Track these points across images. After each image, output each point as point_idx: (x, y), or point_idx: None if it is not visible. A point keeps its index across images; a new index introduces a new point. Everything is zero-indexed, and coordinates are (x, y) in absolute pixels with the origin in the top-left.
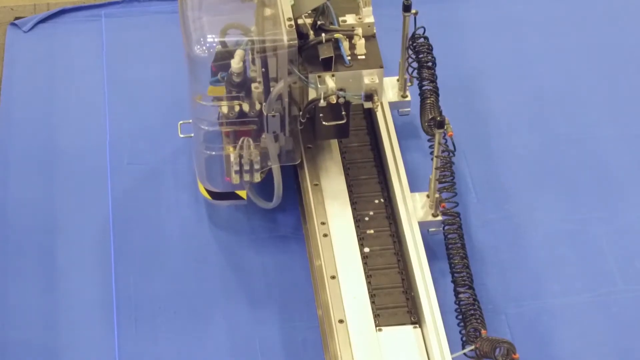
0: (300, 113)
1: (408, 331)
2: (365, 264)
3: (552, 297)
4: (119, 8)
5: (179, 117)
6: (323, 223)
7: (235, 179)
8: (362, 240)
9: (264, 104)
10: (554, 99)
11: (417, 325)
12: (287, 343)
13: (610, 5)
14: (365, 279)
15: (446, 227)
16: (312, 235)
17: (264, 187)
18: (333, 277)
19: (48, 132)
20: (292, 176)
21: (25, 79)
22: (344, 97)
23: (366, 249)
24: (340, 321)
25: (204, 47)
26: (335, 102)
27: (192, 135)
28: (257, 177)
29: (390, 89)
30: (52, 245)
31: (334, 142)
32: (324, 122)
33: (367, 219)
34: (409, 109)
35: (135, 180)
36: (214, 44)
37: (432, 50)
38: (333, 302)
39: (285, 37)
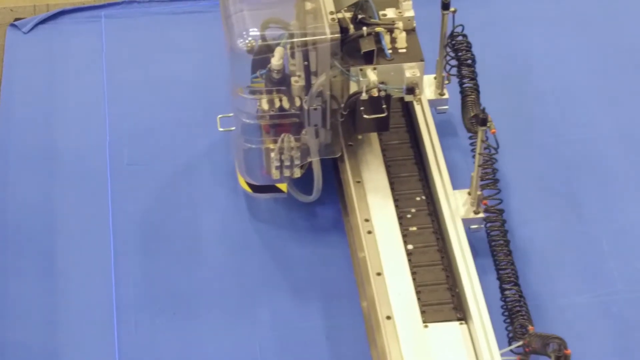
0: (342, 106)
1: (454, 327)
2: (409, 260)
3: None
4: (119, 9)
5: (179, 118)
6: (367, 220)
7: (276, 174)
8: (405, 237)
9: (304, 98)
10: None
11: (464, 322)
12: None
13: None
14: (410, 275)
15: (489, 224)
16: (356, 232)
17: (303, 181)
18: (379, 274)
19: (48, 132)
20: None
21: (25, 80)
22: (385, 91)
23: (409, 246)
24: (388, 317)
25: (246, 41)
26: (376, 95)
27: (233, 129)
28: (297, 173)
29: (427, 87)
30: (51, 246)
31: (375, 139)
32: (364, 115)
33: (409, 216)
34: (446, 107)
35: (135, 180)
36: (257, 38)
37: (471, 47)
38: (380, 298)
39: (328, 30)
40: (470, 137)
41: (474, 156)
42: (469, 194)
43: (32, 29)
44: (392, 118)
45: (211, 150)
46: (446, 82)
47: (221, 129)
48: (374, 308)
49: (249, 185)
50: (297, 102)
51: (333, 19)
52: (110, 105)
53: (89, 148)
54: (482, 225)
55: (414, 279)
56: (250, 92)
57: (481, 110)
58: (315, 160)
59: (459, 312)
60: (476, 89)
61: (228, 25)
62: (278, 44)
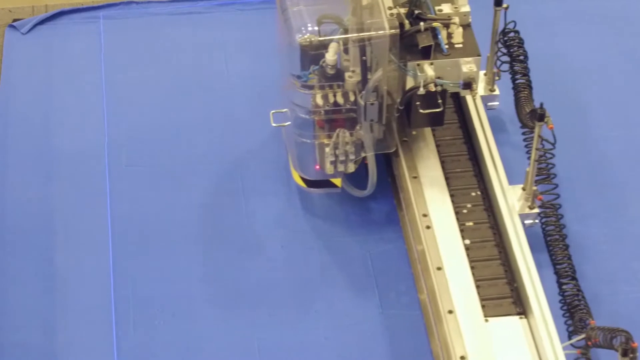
0: (398, 101)
1: (515, 322)
2: (467, 255)
3: None
4: (117, 10)
5: (178, 118)
6: (425, 215)
7: (330, 169)
8: (462, 232)
9: (358, 92)
10: None
11: (523, 316)
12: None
13: None
14: (470, 270)
15: (545, 219)
16: (415, 227)
17: (354, 176)
18: (439, 269)
19: (46, 133)
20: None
21: (23, 80)
22: (442, 85)
23: (466, 241)
24: (450, 312)
25: (303, 36)
26: (433, 90)
27: (286, 124)
28: (351, 168)
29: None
30: (50, 247)
31: (429, 134)
32: (420, 110)
33: (465, 211)
34: (497, 103)
35: (134, 181)
36: (314, 32)
37: (523, 43)
38: (441, 292)
39: (387, 25)
40: (523, 133)
41: (527, 152)
42: (523, 189)
43: (30, 29)
44: (445, 114)
45: (208, 152)
46: (496, 78)
47: (274, 125)
48: (435, 302)
49: (304, 180)
50: (351, 98)
51: (392, 14)
52: (108, 105)
53: (88, 149)
54: (537, 221)
55: (472, 274)
56: (306, 87)
57: (534, 106)
58: (370, 155)
59: (519, 306)
60: (529, 85)
61: (284, 20)
62: (334, 40)
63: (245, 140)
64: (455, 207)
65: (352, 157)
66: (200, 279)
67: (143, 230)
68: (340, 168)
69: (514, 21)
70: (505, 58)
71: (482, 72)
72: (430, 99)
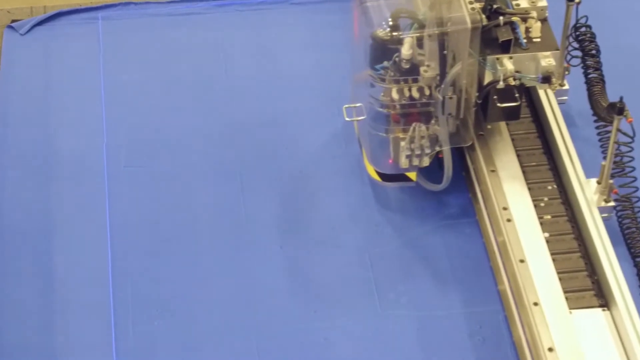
0: (477, 95)
1: (597, 314)
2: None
3: None
4: (116, 11)
5: (176, 119)
6: (505, 208)
7: (405, 163)
8: (540, 225)
9: (434, 87)
10: None
11: (606, 308)
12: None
13: None
14: (552, 262)
15: (622, 213)
16: (495, 220)
17: (426, 170)
18: (522, 261)
19: (45, 134)
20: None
21: (22, 81)
22: (519, 80)
23: (545, 234)
24: (535, 304)
25: (383, 29)
26: (512, 84)
27: (361, 118)
28: (426, 162)
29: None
30: (49, 248)
31: (504, 128)
32: (497, 104)
33: (542, 204)
34: (566, 98)
35: (133, 182)
36: (395, 26)
37: (595, 38)
38: (525, 285)
39: (469, 19)
40: (597, 127)
41: (601, 145)
42: (598, 182)
43: (29, 30)
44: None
45: (207, 153)
46: (566, 72)
47: (347, 119)
48: (520, 294)
49: (378, 174)
50: (427, 92)
51: (473, 9)
52: (107, 106)
53: (86, 149)
54: (612, 214)
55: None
56: (383, 81)
57: (619, 100)
58: (446, 149)
59: (601, 298)
60: (602, 79)
61: (363, 13)
62: (413, 35)
63: (245, 140)
64: (533, 201)
65: (427, 150)
66: (199, 279)
67: (142, 231)
68: (415, 162)
69: (586, 16)
70: (576, 53)
71: None
72: (507, 93)
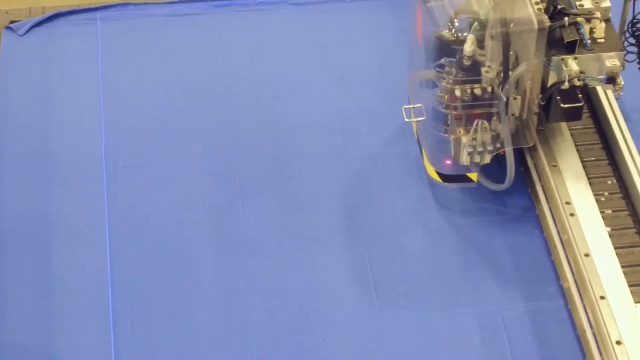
0: (540, 96)
1: None
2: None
3: None
4: (114, 11)
5: (175, 119)
6: (568, 203)
7: (467, 160)
8: (602, 219)
9: (496, 87)
10: None
11: None
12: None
13: None
14: (616, 256)
15: None
16: (558, 215)
17: (484, 170)
18: (587, 255)
19: (44, 135)
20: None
21: (20, 82)
22: (583, 80)
23: (608, 228)
24: (602, 297)
25: (451, 29)
26: (577, 84)
27: (421, 118)
28: (487, 159)
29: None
30: (47, 249)
31: (564, 125)
32: (561, 104)
33: (603, 199)
34: (621, 93)
35: (131, 182)
36: (463, 26)
37: None
38: (591, 279)
39: (535, 20)
40: None
41: None
42: None
43: (27, 31)
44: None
45: (206, 153)
46: (621, 68)
47: (407, 120)
48: (586, 288)
49: (439, 174)
50: (488, 91)
51: (539, 9)
52: (105, 107)
53: (85, 150)
54: None
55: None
56: (445, 80)
57: None
58: (508, 149)
59: None
60: None
61: (427, 11)
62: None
63: (243, 140)
64: (594, 195)
65: (489, 148)
66: (197, 280)
67: (140, 231)
68: (477, 159)
69: None
70: (632, 48)
71: None
72: (571, 93)
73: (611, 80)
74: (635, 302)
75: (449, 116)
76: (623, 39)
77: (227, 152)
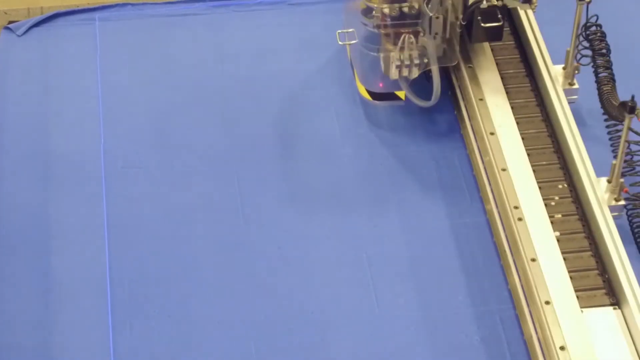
0: (461, 16)
1: (609, 312)
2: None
3: None
4: (113, 12)
5: (174, 119)
6: (516, 207)
7: (395, 74)
8: (551, 224)
9: (422, 5)
10: None
11: (617, 307)
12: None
13: None
14: (563, 261)
15: (635, 211)
16: (506, 219)
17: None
18: (533, 260)
19: (42, 135)
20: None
21: (19, 83)
22: (502, 0)
23: (556, 233)
24: (547, 302)
25: None
26: (495, 4)
27: (350, 42)
28: (415, 73)
29: (558, 77)
30: (46, 249)
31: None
32: (481, 24)
33: (553, 203)
34: (575, 97)
35: (131, 183)
36: None
37: (605, 37)
38: (537, 283)
39: None
40: (607, 126)
41: (612, 144)
42: (609, 181)
43: (26, 31)
44: (527, 108)
45: (205, 153)
46: (576, 72)
47: (341, 43)
48: (531, 292)
49: (369, 93)
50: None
51: None
52: (104, 107)
53: (84, 151)
54: (623, 213)
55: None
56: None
57: (630, 99)
58: (434, 67)
59: (612, 297)
60: (612, 79)
61: None
62: None
63: (243, 140)
64: (543, 200)
65: (416, 62)
66: (196, 280)
67: (139, 231)
68: (405, 73)
69: (596, 15)
70: (587, 52)
71: (561, 66)
72: (491, 13)
73: (527, 0)
74: (582, 308)
75: (376, 37)
76: (577, 42)
77: (226, 153)
